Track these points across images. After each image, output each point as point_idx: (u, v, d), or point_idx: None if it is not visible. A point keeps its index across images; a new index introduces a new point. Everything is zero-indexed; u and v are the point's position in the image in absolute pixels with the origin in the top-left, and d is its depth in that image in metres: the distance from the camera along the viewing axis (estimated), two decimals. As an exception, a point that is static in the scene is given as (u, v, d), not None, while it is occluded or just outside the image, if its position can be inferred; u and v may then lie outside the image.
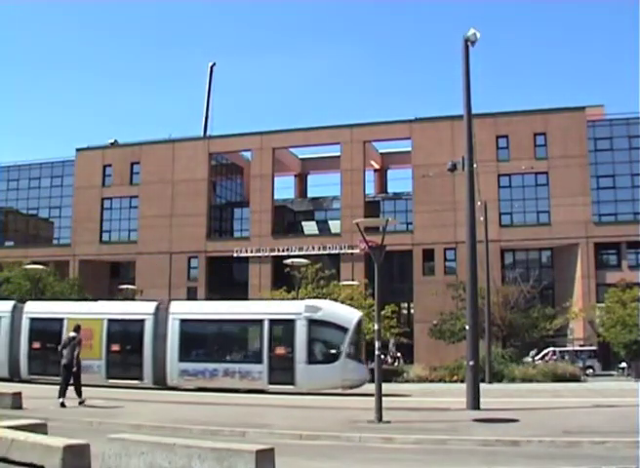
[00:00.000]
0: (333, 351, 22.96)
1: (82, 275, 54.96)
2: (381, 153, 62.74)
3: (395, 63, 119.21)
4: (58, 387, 17.55)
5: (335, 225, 56.68)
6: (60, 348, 17.90)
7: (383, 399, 14.61)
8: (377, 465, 10.61)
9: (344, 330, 22.91)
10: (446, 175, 28.28)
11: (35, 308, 27.21)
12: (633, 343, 38.52)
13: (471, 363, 17.25)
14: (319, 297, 38.55)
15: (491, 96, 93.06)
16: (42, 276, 44.69)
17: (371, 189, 60.60)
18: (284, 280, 44.24)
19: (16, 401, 16.08)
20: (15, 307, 27.06)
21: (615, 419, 14.18)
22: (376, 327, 15.35)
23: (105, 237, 60.52)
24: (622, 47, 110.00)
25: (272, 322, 23.52)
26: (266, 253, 54.35)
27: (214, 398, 20.43)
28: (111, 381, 24.34)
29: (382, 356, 15.82)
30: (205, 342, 25.61)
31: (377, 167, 63.41)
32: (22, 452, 7.07)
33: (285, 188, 65.25)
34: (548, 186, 50.36)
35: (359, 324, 23.78)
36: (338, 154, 55.93)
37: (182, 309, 25.80)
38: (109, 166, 60.73)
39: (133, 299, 50.99)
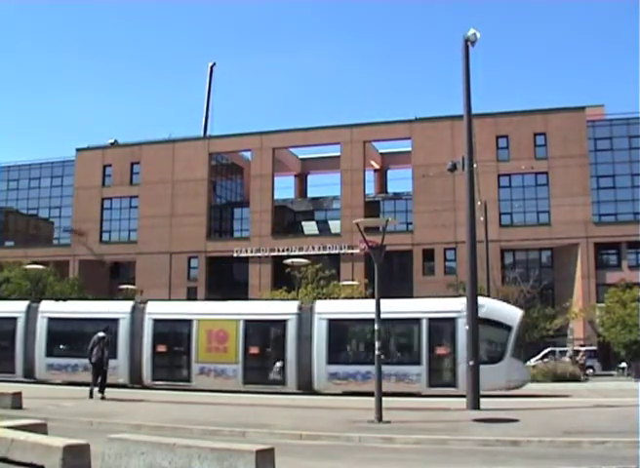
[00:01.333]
0: (497, 350, 21.94)
1: (82, 275, 54.96)
2: (381, 153, 62.74)
3: (395, 63, 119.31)
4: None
5: (335, 225, 56.68)
6: (89, 348, 19.61)
7: (383, 399, 14.61)
8: (377, 465, 10.61)
9: (508, 328, 21.83)
10: (446, 175, 28.33)
11: (158, 309, 25.40)
12: (633, 343, 38.54)
13: (471, 363, 17.26)
14: (319, 298, 38.67)
15: (491, 96, 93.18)
16: (42, 276, 44.69)
17: (371, 189, 60.62)
18: (284, 280, 44.26)
19: (16, 401, 16.09)
20: (134, 308, 25.21)
21: (615, 419, 14.18)
22: (376, 327, 15.36)
23: (105, 237, 60.53)
24: (622, 47, 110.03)
25: (431, 321, 22.08)
26: (266, 253, 54.35)
27: (214, 398, 20.42)
28: (248, 387, 22.89)
29: (383, 356, 15.77)
30: (356, 343, 24.27)
31: (377, 167, 63.41)
32: (22, 452, 7.07)
33: (285, 188, 65.35)
34: (548, 186, 50.36)
35: (522, 322, 22.89)
36: (338, 154, 55.93)
37: (329, 308, 24.34)
38: (109, 166, 60.74)
39: (132, 299, 51.13)
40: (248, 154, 60.36)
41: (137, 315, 24.75)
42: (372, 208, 54.11)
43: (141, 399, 20.16)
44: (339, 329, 23.30)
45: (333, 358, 22.59)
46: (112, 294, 52.69)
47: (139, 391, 23.37)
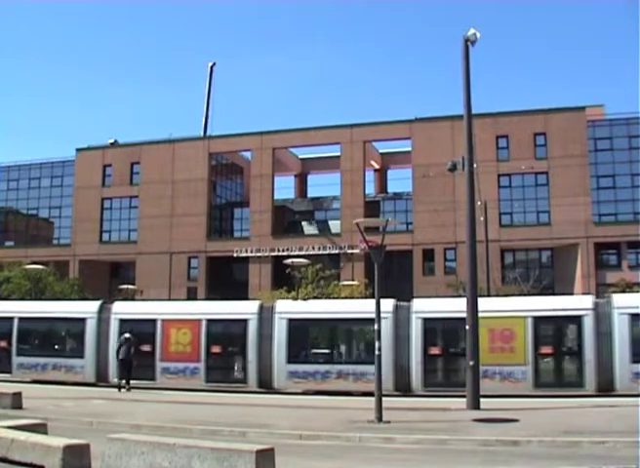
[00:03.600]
0: None
1: (82, 275, 54.96)
2: (381, 153, 62.72)
3: (395, 63, 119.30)
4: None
5: (335, 225, 56.68)
6: (117, 347, 22.94)
7: (383, 399, 14.61)
8: (377, 465, 10.61)
9: None
10: (446, 175, 28.36)
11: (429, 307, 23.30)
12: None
13: (471, 363, 17.26)
14: (319, 298, 38.71)
15: (491, 96, 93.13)
16: (42, 276, 44.67)
17: (371, 189, 60.61)
18: (284, 280, 44.24)
19: (16, 401, 16.09)
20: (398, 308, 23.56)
21: (615, 419, 14.17)
22: (376, 327, 15.36)
23: (105, 237, 60.54)
24: (622, 47, 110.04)
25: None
26: (266, 253, 54.34)
27: (214, 398, 20.43)
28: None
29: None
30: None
31: (377, 167, 63.40)
32: (23, 452, 7.08)
33: (285, 188, 65.31)
34: (548, 186, 50.34)
35: None
36: (338, 154, 55.92)
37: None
38: (109, 166, 60.73)
39: (133, 299, 51.17)
40: (248, 154, 60.35)
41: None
42: (372, 208, 54.09)
43: (141, 399, 20.17)
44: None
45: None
46: (112, 295, 52.76)
47: (144, 391, 23.39)
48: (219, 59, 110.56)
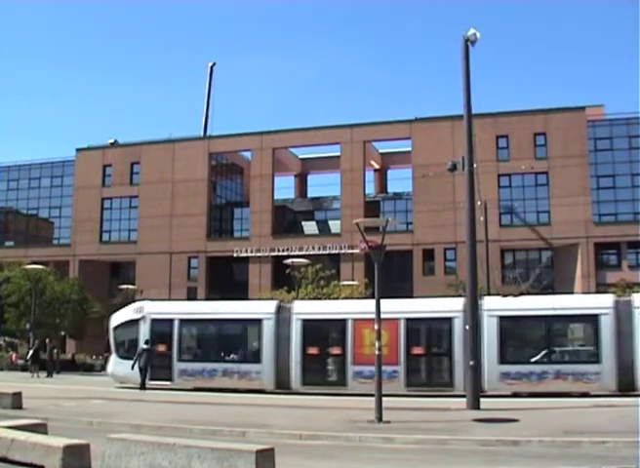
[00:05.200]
0: None
1: (82, 275, 54.94)
2: (381, 153, 62.69)
3: (395, 63, 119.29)
4: None
5: (335, 225, 56.67)
6: (136, 356, 24.02)
7: (383, 399, 14.61)
8: (377, 465, 10.60)
9: None
10: (446, 175, 28.37)
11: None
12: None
13: (471, 363, 17.26)
14: (319, 298, 38.69)
15: (491, 96, 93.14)
16: (42, 276, 44.66)
17: (371, 189, 60.58)
18: (284, 280, 44.23)
19: (16, 401, 16.09)
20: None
21: (614, 419, 14.17)
22: (376, 327, 15.36)
23: (105, 237, 60.53)
24: (622, 47, 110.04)
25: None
26: (266, 253, 54.33)
27: (214, 398, 20.43)
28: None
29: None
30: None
31: (377, 167, 63.37)
32: (23, 452, 7.08)
33: (285, 188, 65.27)
34: (548, 186, 50.31)
35: None
36: (338, 154, 55.90)
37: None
38: (109, 166, 60.71)
39: (133, 300, 51.16)
40: (248, 154, 60.33)
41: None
42: (372, 208, 54.07)
43: (141, 399, 20.17)
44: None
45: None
46: (112, 295, 52.74)
47: (137, 391, 23.37)
48: (219, 59, 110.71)
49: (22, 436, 7.32)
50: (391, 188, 63.87)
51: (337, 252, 52.67)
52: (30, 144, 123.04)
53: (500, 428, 13.35)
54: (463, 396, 18.89)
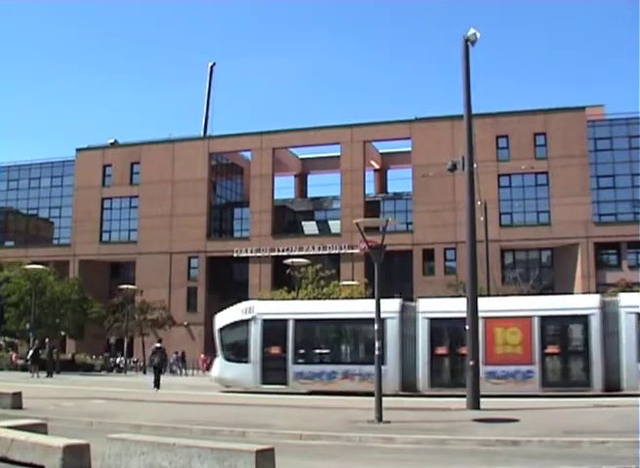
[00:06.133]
0: None
1: (82, 275, 54.95)
2: (381, 153, 62.72)
3: (395, 63, 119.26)
4: None
5: (335, 225, 56.69)
6: (151, 355, 27.17)
7: (383, 399, 14.60)
8: (377, 465, 10.60)
9: None
10: (446, 175, 28.35)
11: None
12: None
13: (471, 363, 17.26)
14: (319, 298, 38.68)
15: (491, 96, 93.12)
16: (42, 276, 44.65)
17: (371, 189, 60.61)
18: (284, 280, 44.25)
19: (16, 401, 16.09)
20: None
21: (614, 419, 14.16)
22: (376, 327, 15.36)
23: (105, 237, 60.54)
24: (622, 47, 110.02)
25: None
26: (266, 253, 54.35)
27: (214, 398, 20.42)
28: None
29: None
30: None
31: (377, 167, 63.39)
32: (22, 452, 7.07)
33: (285, 188, 65.33)
34: (548, 186, 50.35)
35: None
36: (338, 154, 55.93)
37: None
38: (109, 166, 60.74)
39: (132, 300, 51.23)
40: (248, 154, 60.36)
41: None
42: (372, 208, 54.10)
43: (142, 399, 20.16)
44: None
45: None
46: (112, 295, 52.76)
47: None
48: (219, 59, 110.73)
49: (22, 436, 7.32)
50: (391, 188, 63.98)
51: (337, 252, 52.70)
52: (30, 144, 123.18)
53: (500, 428, 13.34)
54: (600, 395, 18.84)
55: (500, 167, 49.95)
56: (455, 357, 22.04)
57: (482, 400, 17.00)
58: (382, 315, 21.82)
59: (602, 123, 51.09)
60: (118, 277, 59.23)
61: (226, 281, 57.47)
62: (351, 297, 39.50)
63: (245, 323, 23.96)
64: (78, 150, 61.85)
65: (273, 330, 23.54)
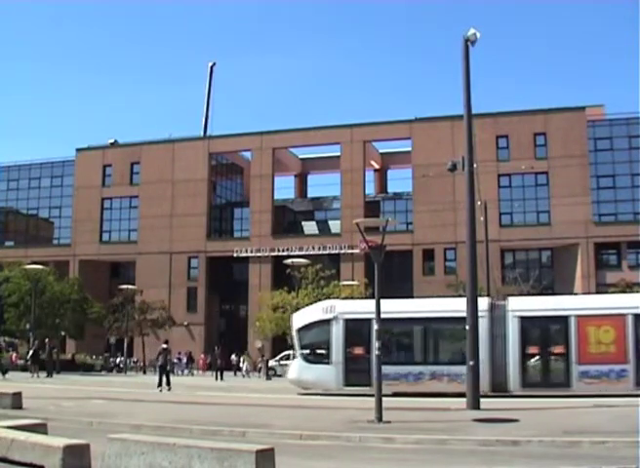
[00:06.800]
0: None
1: (82, 275, 54.96)
2: (381, 153, 62.73)
3: (395, 63, 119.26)
4: None
5: (335, 225, 56.69)
6: (157, 356, 28.24)
7: (383, 399, 14.60)
8: (377, 465, 10.59)
9: None
10: (446, 175, 28.33)
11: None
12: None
13: (471, 363, 17.25)
14: (319, 298, 38.67)
15: (491, 96, 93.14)
16: (42, 276, 44.65)
17: (371, 189, 60.63)
18: (284, 280, 44.25)
19: (16, 401, 16.08)
20: None
21: (614, 419, 14.16)
22: (376, 327, 15.35)
23: (105, 237, 60.54)
24: (622, 47, 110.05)
25: None
26: (266, 253, 54.35)
27: (213, 398, 20.42)
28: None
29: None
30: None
31: (377, 167, 63.40)
32: (22, 452, 7.07)
33: (285, 188, 65.35)
34: (548, 186, 50.36)
35: None
36: (338, 154, 55.93)
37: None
38: (109, 166, 60.76)
39: (132, 299, 51.23)
40: (248, 154, 60.36)
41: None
42: (372, 208, 54.11)
43: (142, 399, 20.16)
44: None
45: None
46: (112, 295, 52.75)
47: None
48: (219, 59, 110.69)
49: (22, 436, 7.32)
50: (391, 188, 63.99)
51: (337, 252, 52.70)
52: (30, 144, 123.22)
53: (500, 428, 13.34)
54: None
55: (500, 167, 49.96)
56: (547, 356, 21.73)
57: (483, 400, 17.01)
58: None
59: (602, 123, 51.10)
60: (118, 277, 59.25)
61: (226, 281, 57.50)
62: (351, 298, 39.55)
63: (326, 323, 23.26)
64: (78, 150, 61.86)
65: (356, 329, 22.77)
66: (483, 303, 21.91)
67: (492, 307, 22.37)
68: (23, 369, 39.17)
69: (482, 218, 31.83)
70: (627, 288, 41.01)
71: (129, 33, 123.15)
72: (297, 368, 24.26)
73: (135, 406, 18.22)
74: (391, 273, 49.05)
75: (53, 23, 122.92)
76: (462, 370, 19.26)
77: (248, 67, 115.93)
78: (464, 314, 18.59)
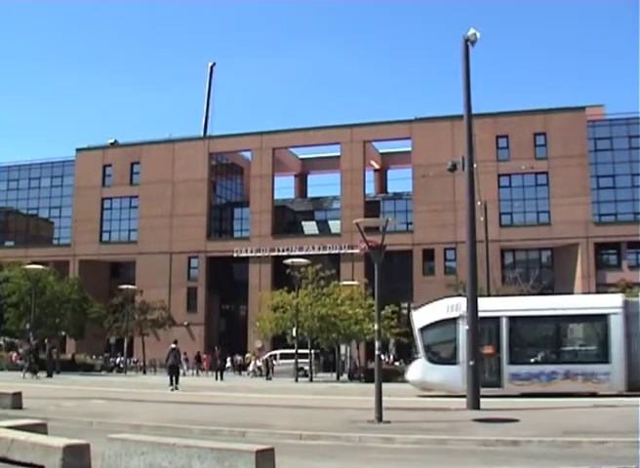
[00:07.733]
0: None
1: (82, 275, 54.95)
2: (381, 153, 62.72)
3: (395, 63, 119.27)
4: None
5: (335, 225, 56.69)
6: (167, 357, 28.30)
7: (383, 399, 14.60)
8: (377, 465, 10.59)
9: None
10: (446, 175, 28.33)
11: None
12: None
13: (471, 363, 17.25)
14: (319, 298, 38.68)
15: (491, 96, 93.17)
16: (42, 276, 44.64)
17: (371, 189, 60.63)
18: (284, 280, 44.23)
19: (16, 401, 16.08)
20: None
21: (614, 419, 14.16)
22: (376, 327, 15.35)
23: (105, 237, 60.54)
24: (622, 47, 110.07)
25: None
26: (266, 253, 54.35)
27: (214, 398, 20.42)
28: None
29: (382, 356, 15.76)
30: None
31: (377, 167, 63.40)
32: (22, 452, 7.07)
33: (285, 188, 65.37)
34: (548, 186, 50.36)
35: None
36: (338, 154, 55.93)
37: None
38: (109, 166, 60.76)
39: (132, 299, 51.22)
40: (248, 154, 60.35)
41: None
42: (372, 208, 54.11)
43: (142, 399, 20.17)
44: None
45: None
46: (112, 295, 52.72)
47: (139, 390, 23.35)
48: (219, 59, 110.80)
49: (22, 436, 7.31)
50: (391, 188, 64.00)
51: (337, 252, 52.70)
52: (30, 144, 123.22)
53: (500, 428, 13.34)
54: None
55: (500, 167, 49.95)
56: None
57: (483, 400, 17.01)
58: (604, 311, 21.02)
59: (602, 123, 51.10)
60: (118, 277, 59.24)
61: (226, 281, 57.50)
62: (351, 298, 39.57)
63: (451, 321, 22.08)
64: (78, 150, 61.85)
65: (484, 328, 21.24)
66: (616, 300, 21.83)
67: (626, 304, 21.55)
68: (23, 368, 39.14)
69: (482, 218, 31.82)
70: (627, 288, 41.01)
71: (129, 33, 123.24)
72: (420, 368, 23.02)
73: (135, 406, 18.21)
74: (391, 273, 49.04)
75: (53, 23, 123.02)
76: (598, 368, 19.37)
77: (248, 67, 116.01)
78: (593, 311, 18.92)
